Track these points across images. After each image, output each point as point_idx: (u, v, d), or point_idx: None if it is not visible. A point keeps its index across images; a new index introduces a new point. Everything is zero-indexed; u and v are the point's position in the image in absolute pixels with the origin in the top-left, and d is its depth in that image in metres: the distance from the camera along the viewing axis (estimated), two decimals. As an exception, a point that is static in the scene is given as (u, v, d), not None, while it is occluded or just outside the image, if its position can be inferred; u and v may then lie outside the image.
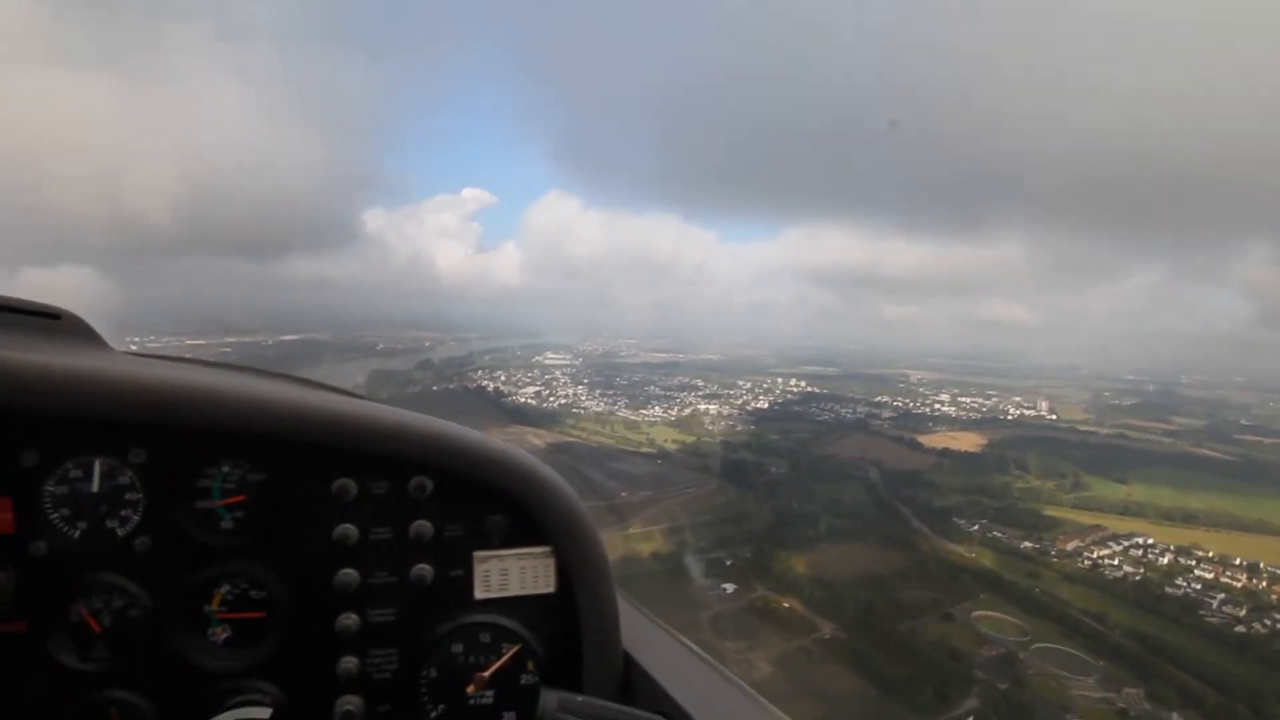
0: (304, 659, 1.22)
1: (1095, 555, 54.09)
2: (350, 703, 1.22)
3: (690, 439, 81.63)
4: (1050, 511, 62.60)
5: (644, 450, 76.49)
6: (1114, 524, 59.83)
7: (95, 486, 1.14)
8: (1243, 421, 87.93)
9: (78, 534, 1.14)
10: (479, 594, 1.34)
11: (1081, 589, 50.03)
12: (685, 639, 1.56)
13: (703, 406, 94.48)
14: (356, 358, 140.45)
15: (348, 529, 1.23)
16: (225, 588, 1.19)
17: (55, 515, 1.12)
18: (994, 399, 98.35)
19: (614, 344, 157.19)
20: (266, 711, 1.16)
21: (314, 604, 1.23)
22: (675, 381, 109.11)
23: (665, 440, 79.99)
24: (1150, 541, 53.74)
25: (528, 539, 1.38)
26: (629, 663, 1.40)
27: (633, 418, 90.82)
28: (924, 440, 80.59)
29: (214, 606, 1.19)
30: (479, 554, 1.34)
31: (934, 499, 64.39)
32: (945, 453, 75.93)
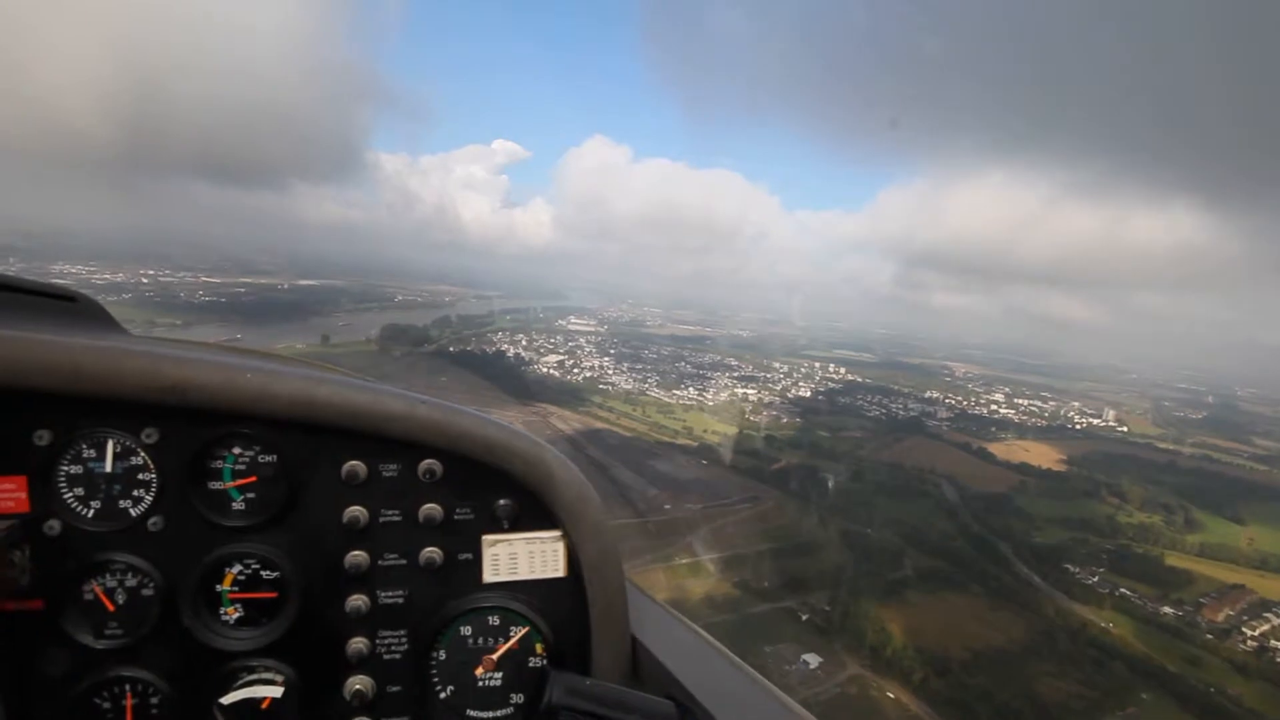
0: (315, 639, 1.18)
1: (1257, 631, 39.60)
2: (360, 682, 1.18)
3: (731, 430, 66.71)
4: (1174, 560, 47.64)
5: (681, 441, 61.79)
6: (1256, 582, 45.08)
7: (109, 466, 1.09)
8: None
9: (91, 513, 1.09)
10: (488, 577, 1.26)
11: (1260, 685, 35.37)
12: (693, 624, 1.42)
13: (740, 390, 79.20)
14: (373, 308, 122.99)
15: (358, 511, 1.17)
16: (237, 568, 1.14)
17: (69, 495, 1.09)
18: (1052, 402, 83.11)
19: (639, 312, 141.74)
20: (278, 690, 1.12)
21: (324, 585, 1.18)
22: (706, 359, 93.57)
23: (704, 430, 65.14)
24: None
25: (537, 523, 1.29)
26: (637, 647, 1.30)
27: (665, 399, 75.59)
28: (994, 449, 65.51)
29: (226, 586, 1.14)
30: (488, 537, 1.26)
31: (1031, 532, 49.39)
32: (1024, 469, 60.82)
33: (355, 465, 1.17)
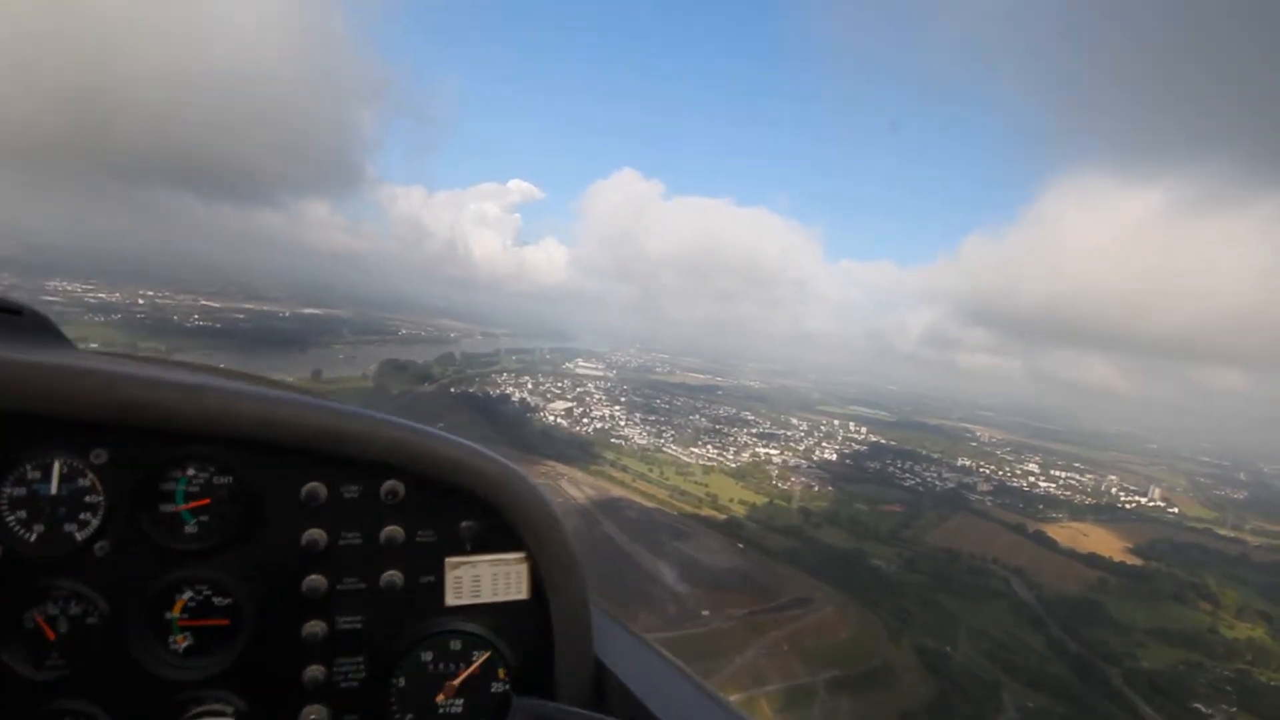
0: (268, 667, 1.06)
1: None
2: (315, 712, 1.07)
3: (760, 499, 56.11)
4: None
5: (706, 513, 51.05)
6: None
7: (54, 489, 0.98)
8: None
9: (34, 537, 0.98)
10: (450, 600, 1.15)
11: None
12: (659, 647, 1.32)
13: (762, 451, 68.61)
14: (375, 341, 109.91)
15: (317, 534, 1.07)
16: (188, 594, 1.03)
17: (11, 518, 0.97)
18: (1089, 475, 73.27)
19: (647, 357, 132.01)
20: None
21: (280, 611, 1.07)
22: (721, 412, 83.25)
23: (730, 499, 54.51)
24: None
25: (501, 545, 1.18)
26: (602, 670, 1.21)
27: (683, 457, 64.97)
28: (1052, 534, 55.06)
29: (175, 614, 1.03)
30: (451, 560, 1.15)
31: (1135, 652, 38.66)
32: (1095, 562, 50.34)
33: (315, 487, 1.08)
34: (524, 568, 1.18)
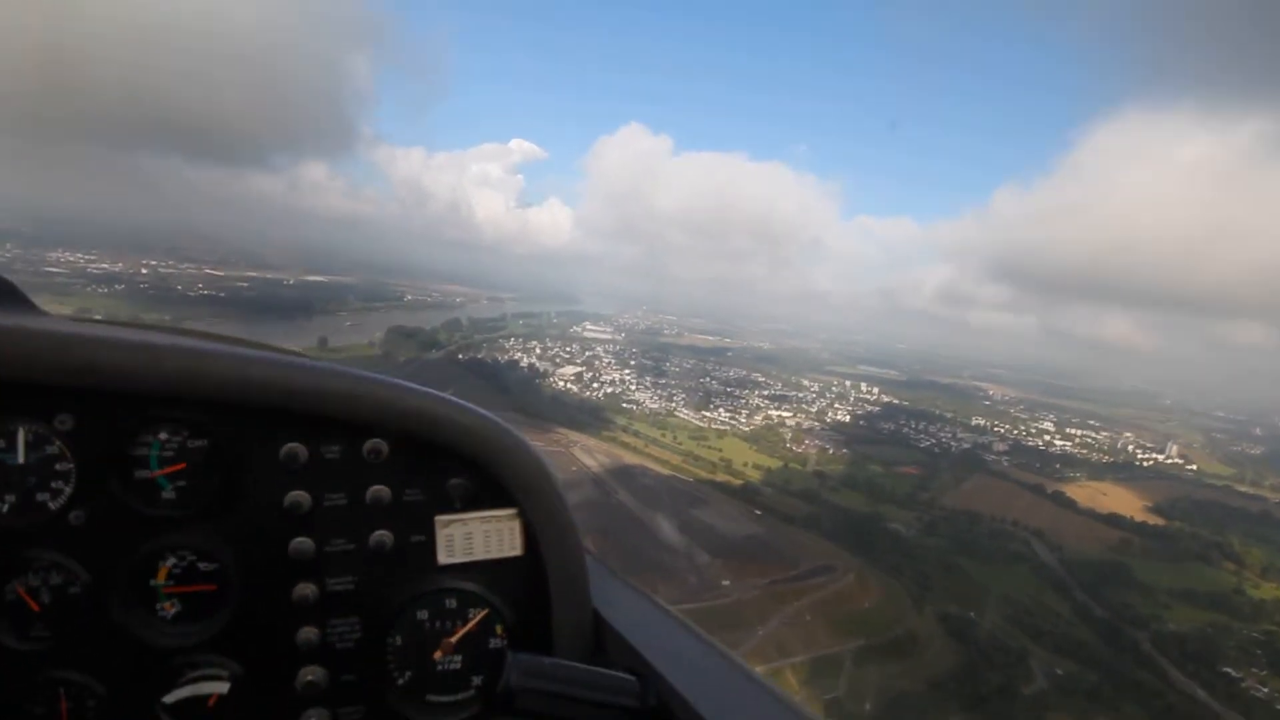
0: (261, 631, 1.05)
1: None
2: (312, 673, 1.06)
3: (775, 463, 54.99)
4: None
5: (721, 478, 50.03)
6: None
7: (21, 457, 0.95)
8: None
9: (6, 508, 0.95)
10: (443, 559, 1.13)
11: None
12: (657, 597, 1.31)
13: (774, 413, 67.13)
14: (381, 308, 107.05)
15: (300, 495, 1.05)
16: (172, 560, 1.01)
17: None
18: (1104, 433, 71.79)
19: (655, 319, 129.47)
20: (224, 686, 1.01)
21: (268, 574, 1.05)
22: (732, 374, 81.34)
23: (744, 463, 53.36)
24: None
25: (491, 501, 1.16)
26: (600, 622, 1.19)
27: (695, 421, 63.63)
28: (1071, 493, 53.97)
29: (160, 580, 1.01)
30: (441, 518, 1.13)
31: (1161, 614, 37.78)
32: (1116, 522, 49.33)
33: (294, 448, 1.05)
34: (516, 524, 1.17)
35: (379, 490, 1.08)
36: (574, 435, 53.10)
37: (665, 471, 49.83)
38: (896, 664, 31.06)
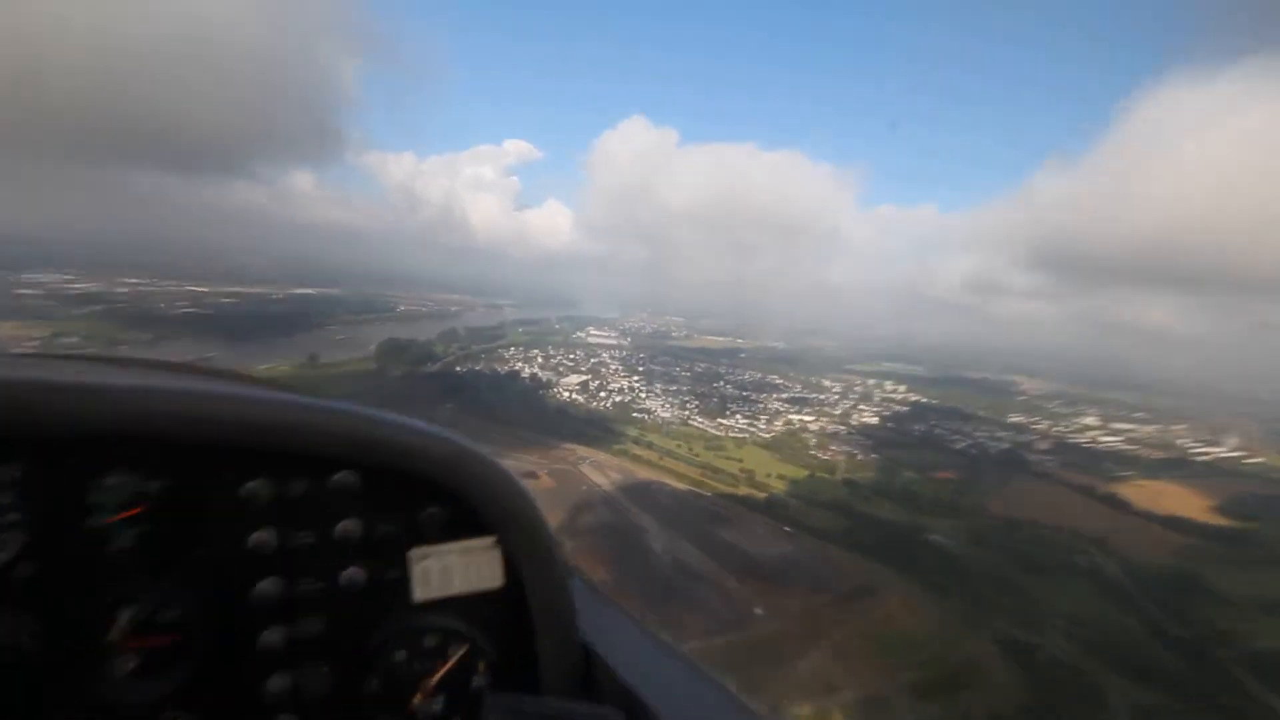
0: (227, 682, 0.98)
1: None
2: None
3: (800, 473, 51.18)
4: None
5: (744, 492, 46.28)
6: None
7: None
8: None
9: None
10: (419, 595, 1.06)
11: None
12: (649, 627, 1.25)
13: (795, 418, 63.31)
14: (373, 319, 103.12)
15: (264, 535, 0.99)
16: (128, 612, 0.94)
17: None
18: (1151, 426, 67.44)
19: (662, 321, 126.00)
20: None
21: (233, 621, 0.99)
22: (747, 377, 77.55)
23: (768, 474, 49.60)
24: None
25: (469, 530, 1.09)
26: (589, 655, 1.12)
27: (712, 430, 59.95)
28: (1125, 494, 49.78)
29: (116, 634, 0.94)
30: (415, 551, 1.06)
31: (1251, 631, 33.49)
32: (1179, 525, 45.07)
33: (257, 485, 1.00)
34: (495, 553, 1.10)
35: (349, 525, 1.02)
36: (583, 450, 49.51)
37: (683, 486, 46.11)
38: (956, 699, 27.16)
